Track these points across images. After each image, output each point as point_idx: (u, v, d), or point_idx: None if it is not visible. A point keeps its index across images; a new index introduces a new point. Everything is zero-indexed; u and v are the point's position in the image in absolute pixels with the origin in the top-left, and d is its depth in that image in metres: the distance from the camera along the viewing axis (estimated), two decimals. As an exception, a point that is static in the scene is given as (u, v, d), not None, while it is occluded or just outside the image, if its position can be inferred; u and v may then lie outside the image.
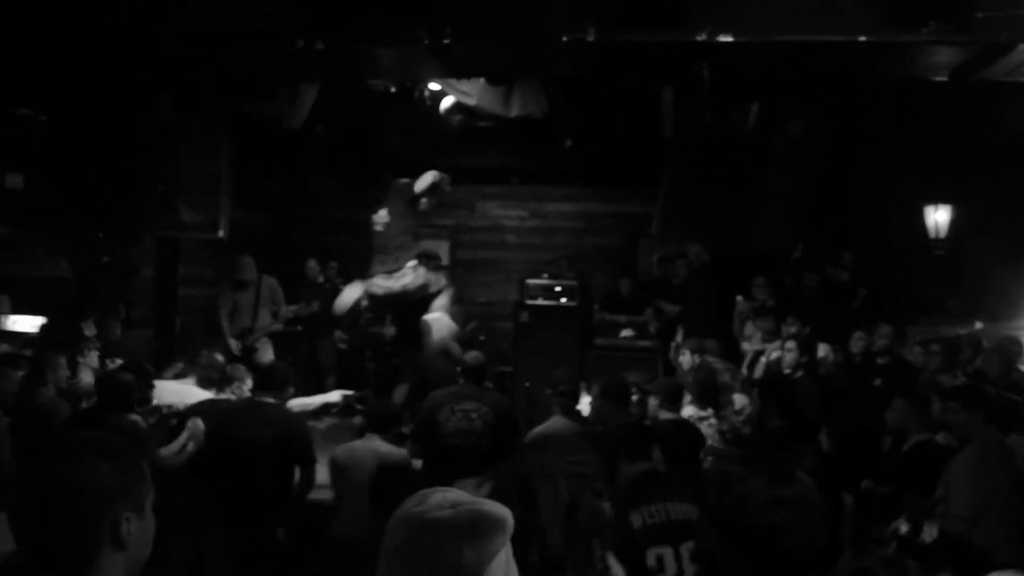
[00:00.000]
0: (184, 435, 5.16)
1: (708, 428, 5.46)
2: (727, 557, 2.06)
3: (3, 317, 9.23)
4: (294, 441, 4.95)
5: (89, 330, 7.67)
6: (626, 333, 9.76)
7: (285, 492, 4.96)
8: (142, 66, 6.40)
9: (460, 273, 11.15)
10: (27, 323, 9.30)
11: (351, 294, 7.63)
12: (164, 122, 7.43)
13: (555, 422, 5.20)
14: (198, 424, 5.13)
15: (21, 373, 5.59)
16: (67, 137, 7.22)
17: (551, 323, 9.41)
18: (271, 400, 5.15)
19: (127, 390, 5.13)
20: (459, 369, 5.50)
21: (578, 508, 1.75)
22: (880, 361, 7.15)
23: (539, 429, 5.20)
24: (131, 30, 5.74)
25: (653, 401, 5.24)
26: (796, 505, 2.03)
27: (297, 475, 5.02)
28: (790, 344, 7.06)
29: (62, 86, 6.85)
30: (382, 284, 7.54)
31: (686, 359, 7.36)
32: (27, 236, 7.87)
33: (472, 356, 5.50)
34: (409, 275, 7.54)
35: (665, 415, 5.12)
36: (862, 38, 5.55)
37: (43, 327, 7.54)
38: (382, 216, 7.71)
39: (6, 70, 6.49)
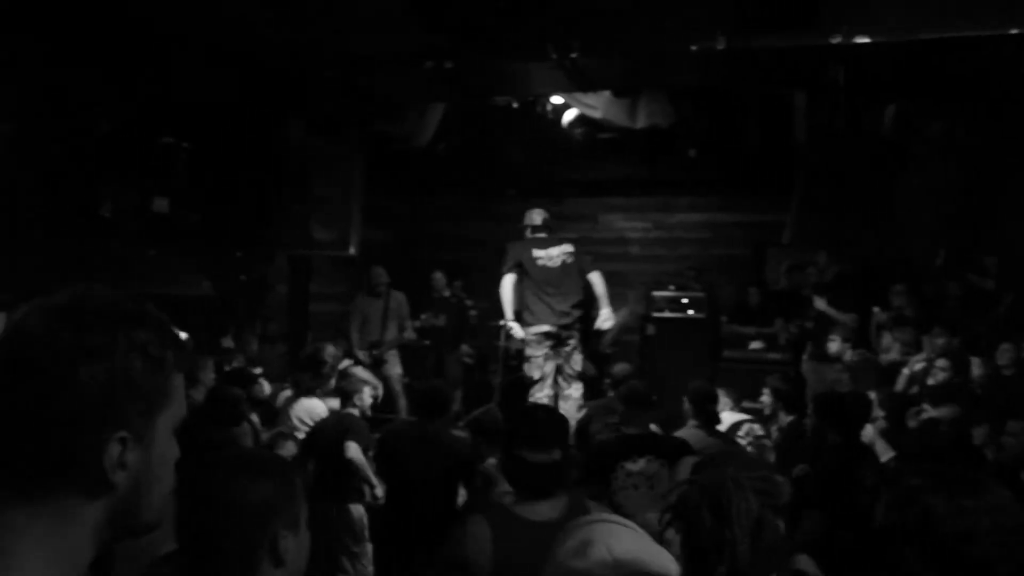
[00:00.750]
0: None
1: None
2: (915, 572, 1.96)
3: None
4: (462, 466, 4.91)
5: (228, 345, 7.99)
6: (755, 345, 9.53)
7: (451, 513, 4.94)
8: (279, 93, 6.63)
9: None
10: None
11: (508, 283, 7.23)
12: (298, 145, 7.67)
13: (689, 433, 5.12)
14: (290, 446, 5.25)
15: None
16: (208, 162, 7.54)
17: (678, 335, 9.27)
18: (435, 423, 5.10)
19: (235, 403, 5.28)
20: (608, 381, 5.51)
21: (765, 526, 1.69)
22: (1034, 374, 6.72)
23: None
24: (269, 59, 5.96)
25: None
26: (987, 513, 1.92)
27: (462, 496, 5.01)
28: (942, 362, 6.66)
29: (204, 115, 7.17)
30: (540, 253, 7.12)
31: (835, 345, 7.14)
32: (172, 257, 8.25)
33: (620, 368, 5.47)
34: (561, 251, 7.17)
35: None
36: (1013, 31, 5.23)
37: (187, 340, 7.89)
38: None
39: (151, 102, 6.84)
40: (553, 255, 7.17)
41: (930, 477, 2.07)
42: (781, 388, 5.50)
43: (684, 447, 4.27)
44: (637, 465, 4.31)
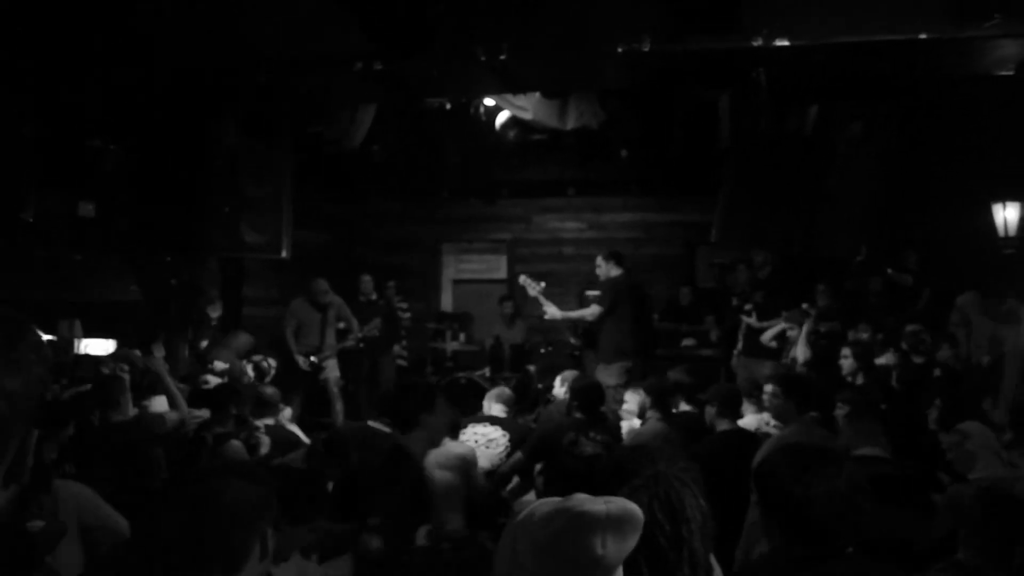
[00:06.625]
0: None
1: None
2: (767, 525, 2.26)
3: (76, 340, 9.50)
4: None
5: (159, 351, 7.84)
6: (687, 342, 9.72)
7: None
8: (210, 94, 6.56)
9: (518, 286, 11.20)
10: (98, 347, 9.54)
11: None
12: (229, 146, 7.58)
13: (652, 426, 5.25)
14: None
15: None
16: (136, 165, 7.41)
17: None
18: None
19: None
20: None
21: (707, 516, 1.78)
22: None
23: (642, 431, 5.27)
24: (200, 60, 5.91)
25: (710, 410, 5.16)
26: (825, 481, 2.16)
27: None
28: (846, 351, 6.90)
29: (132, 116, 7.05)
30: None
31: (795, 334, 7.40)
32: (99, 262, 8.09)
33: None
34: None
35: (723, 425, 4.96)
36: (923, 35, 5.46)
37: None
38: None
39: (78, 104, 6.71)
40: None
41: (783, 455, 2.32)
42: (682, 381, 5.68)
43: None
44: None
